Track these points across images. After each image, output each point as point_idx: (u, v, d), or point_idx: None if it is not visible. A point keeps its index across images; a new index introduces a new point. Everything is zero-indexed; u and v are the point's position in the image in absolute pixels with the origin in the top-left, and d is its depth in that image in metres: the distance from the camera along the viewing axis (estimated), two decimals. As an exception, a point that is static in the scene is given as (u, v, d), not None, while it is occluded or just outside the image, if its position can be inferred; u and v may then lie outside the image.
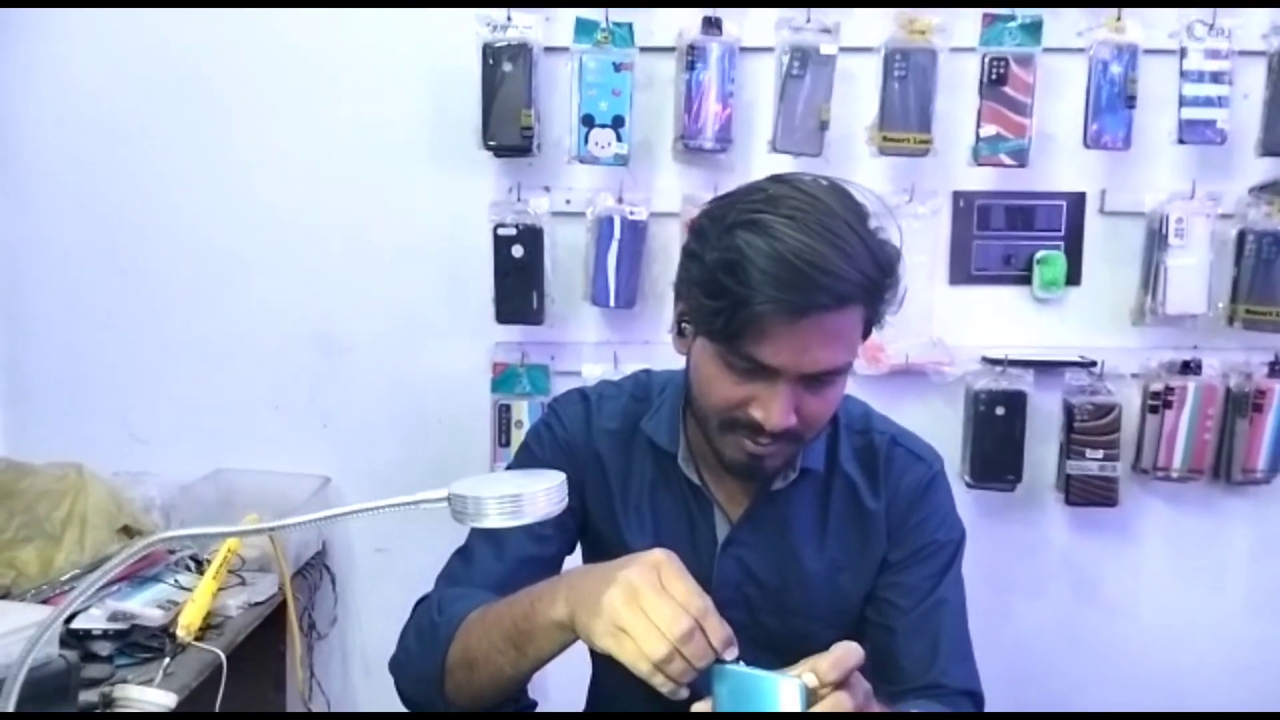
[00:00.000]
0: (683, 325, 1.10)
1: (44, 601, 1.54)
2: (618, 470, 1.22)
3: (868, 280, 0.98)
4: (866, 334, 1.06)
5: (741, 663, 0.86)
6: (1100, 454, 1.91)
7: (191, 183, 1.95)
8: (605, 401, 1.25)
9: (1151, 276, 1.91)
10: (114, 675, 1.39)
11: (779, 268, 0.95)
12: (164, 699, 1.28)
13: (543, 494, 0.77)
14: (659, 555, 0.89)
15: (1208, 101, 1.85)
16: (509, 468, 1.35)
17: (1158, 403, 1.92)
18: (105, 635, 1.45)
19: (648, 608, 0.85)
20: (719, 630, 0.85)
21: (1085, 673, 2.04)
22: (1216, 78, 1.85)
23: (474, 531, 1.19)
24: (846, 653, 0.86)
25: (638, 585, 0.86)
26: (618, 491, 1.21)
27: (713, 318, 0.99)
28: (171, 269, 1.97)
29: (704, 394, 1.07)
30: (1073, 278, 1.96)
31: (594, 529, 1.23)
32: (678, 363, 1.16)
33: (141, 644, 1.46)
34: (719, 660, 0.85)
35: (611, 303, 1.89)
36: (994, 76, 1.84)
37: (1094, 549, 2.03)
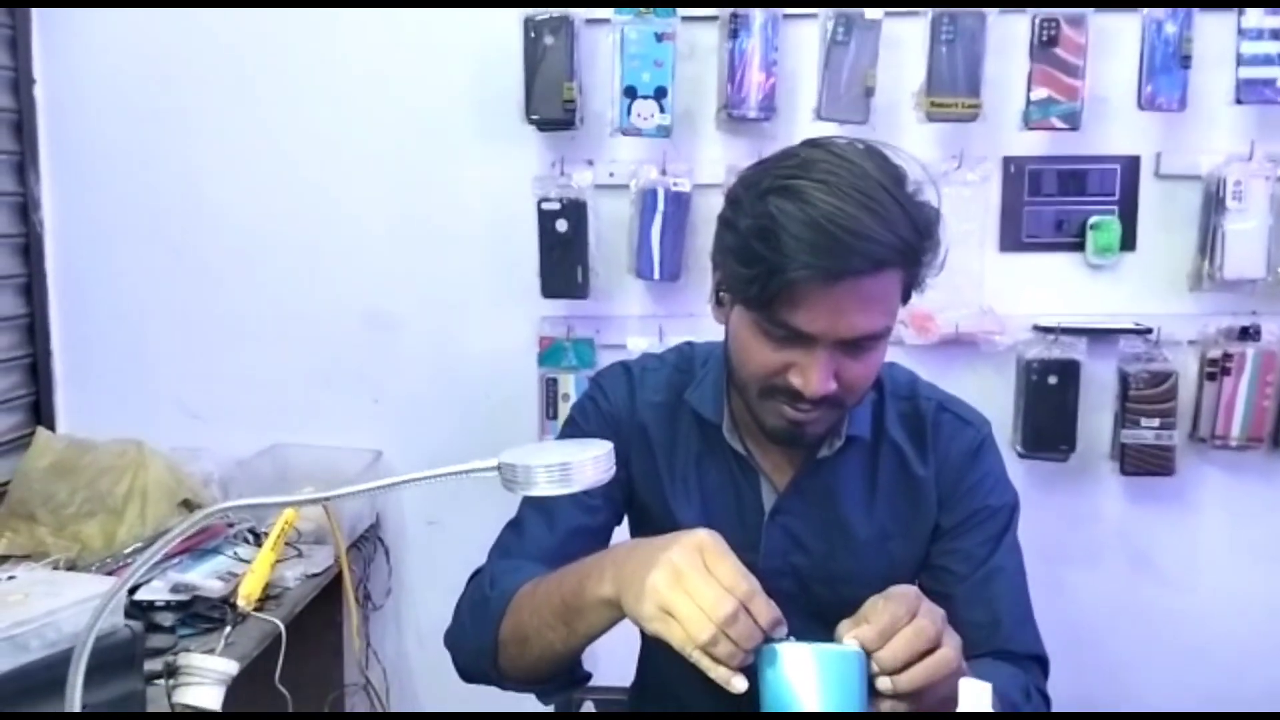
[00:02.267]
0: (720, 295, 1.10)
1: (108, 574, 1.58)
2: (663, 442, 1.22)
3: (904, 243, 0.97)
4: (906, 298, 1.05)
5: (792, 638, 0.85)
6: (1156, 422, 1.88)
7: (240, 164, 1.98)
8: (648, 374, 1.25)
9: (1209, 241, 1.87)
10: (176, 645, 1.44)
11: (812, 233, 0.94)
12: (226, 667, 1.31)
13: (590, 462, 0.78)
14: (703, 536, 0.87)
15: (1267, 60, 1.80)
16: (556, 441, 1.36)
17: (1215, 370, 1.89)
18: (168, 606, 1.49)
19: (692, 590, 0.83)
20: (766, 611, 0.84)
21: (1141, 645, 2.01)
22: (1276, 34, 1.79)
23: (524, 504, 1.20)
24: (891, 621, 0.86)
25: (681, 567, 0.85)
26: (663, 463, 1.22)
27: (748, 285, 0.99)
28: (223, 250, 2.01)
29: (743, 362, 1.07)
30: (1127, 243, 1.92)
31: (640, 500, 1.24)
32: (721, 335, 1.16)
33: (203, 614, 1.50)
34: (768, 640, 0.84)
35: (656, 275, 1.88)
36: (1045, 38, 1.80)
37: (1149, 519, 2.00)
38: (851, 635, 0.86)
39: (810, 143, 1.05)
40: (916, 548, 1.20)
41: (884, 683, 0.85)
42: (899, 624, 0.86)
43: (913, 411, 1.20)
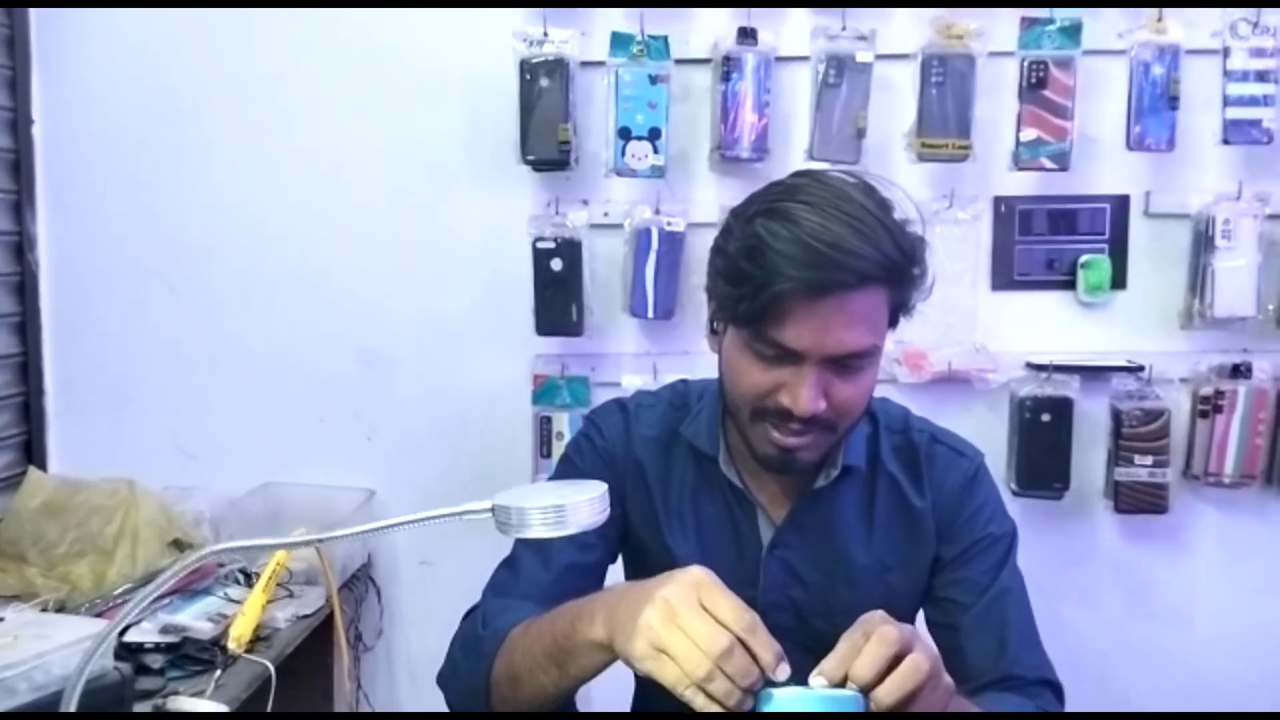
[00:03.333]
0: (714, 325, 1.12)
1: (97, 615, 1.57)
2: (659, 476, 1.22)
3: (888, 260, 0.99)
4: (894, 322, 1.07)
5: (793, 684, 0.83)
6: (1150, 460, 1.88)
7: (234, 204, 1.99)
8: (643, 410, 1.26)
9: (1199, 279, 1.88)
10: (166, 687, 1.42)
11: (797, 249, 0.97)
12: (216, 710, 1.30)
13: (585, 504, 0.77)
14: (698, 573, 0.85)
15: (1253, 100, 1.82)
16: (550, 479, 1.36)
17: (1208, 407, 1.89)
18: (157, 648, 1.48)
19: (687, 627, 0.81)
20: (767, 646, 0.82)
21: (1137, 682, 2.00)
22: (1262, 76, 1.82)
23: (519, 541, 1.19)
24: (851, 649, 0.84)
25: (676, 604, 0.82)
26: (659, 498, 1.22)
27: (736, 304, 1.01)
28: (217, 289, 2.01)
29: (734, 385, 1.08)
30: (1118, 281, 1.94)
31: (636, 536, 1.23)
32: (716, 371, 1.17)
33: (193, 656, 1.49)
34: (769, 684, 0.82)
35: (650, 314, 1.89)
36: (1033, 80, 1.82)
37: (1144, 557, 1.99)
38: (815, 673, 0.84)
39: (798, 173, 1.09)
40: (915, 579, 1.20)
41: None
42: (859, 643, 0.84)
43: (906, 444, 1.22)
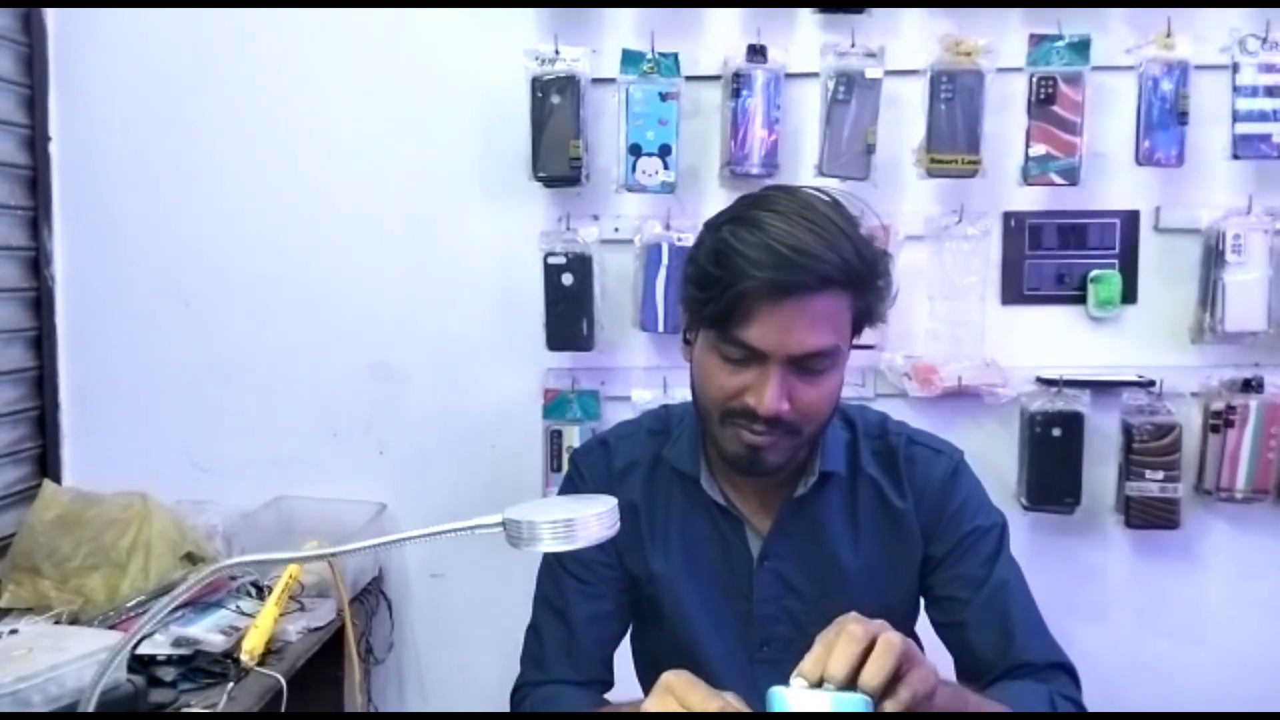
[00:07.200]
0: (687, 335, 1.15)
1: (111, 627, 1.58)
2: (644, 504, 1.24)
3: (849, 265, 1.03)
4: (858, 329, 1.10)
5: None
6: (1161, 475, 1.88)
7: (250, 218, 2.01)
8: (622, 441, 1.28)
9: (1209, 294, 1.88)
10: (178, 699, 1.43)
11: (761, 252, 1.01)
12: (227, 723, 1.31)
13: (594, 518, 0.78)
14: (667, 678, 0.88)
15: (1262, 116, 1.82)
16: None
17: (1219, 422, 1.89)
18: (170, 660, 1.49)
19: None
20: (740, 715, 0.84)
21: (1149, 699, 1.99)
22: (1271, 91, 1.82)
23: (536, 606, 1.25)
24: (825, 649, 0.84)
25: (657, 713, 0.86)
26: (645, 524, 1.23)
27: (703, 306, 1.06)
28: (230, 304, 2.03)
29: (703, 389, 1.11)
30: (1128, 296, 1.94)
31: (629, 569, 1.24)
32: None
33: (205, 669, 1.50)
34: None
35: (660, 328, 1.90)
36: (1042, 96, 1.83)
37: (1156, 573, 1.99)
38: (795, 674, 0.85)
39: (769, 186, 1.13)
40: (905, 580, 1.22)
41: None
42: (833, 642, 0.85)
43: (885, 448, 1.23)
